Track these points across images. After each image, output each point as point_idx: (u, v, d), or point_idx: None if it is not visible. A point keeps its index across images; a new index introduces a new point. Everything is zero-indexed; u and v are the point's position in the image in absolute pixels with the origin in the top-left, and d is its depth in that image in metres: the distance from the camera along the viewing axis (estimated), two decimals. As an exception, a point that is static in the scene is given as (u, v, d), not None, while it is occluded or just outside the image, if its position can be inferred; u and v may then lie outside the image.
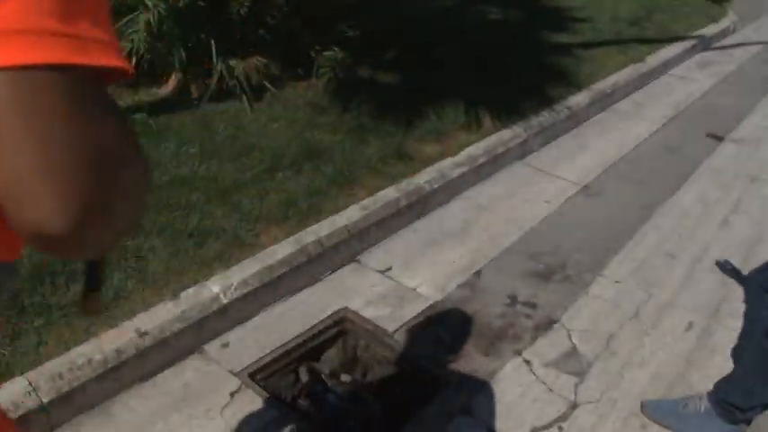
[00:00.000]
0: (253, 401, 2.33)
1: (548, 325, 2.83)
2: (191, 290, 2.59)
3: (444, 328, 2.79)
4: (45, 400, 2.11)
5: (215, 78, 4.00)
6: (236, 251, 2.83)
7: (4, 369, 2.16)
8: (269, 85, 4.12)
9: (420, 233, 3.40)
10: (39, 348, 2.25)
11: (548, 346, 2.71)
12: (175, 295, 2.55)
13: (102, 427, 2.20)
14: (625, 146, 4.52)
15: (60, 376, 2.17)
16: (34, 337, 2.28)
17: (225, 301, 2.59)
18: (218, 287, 2.62)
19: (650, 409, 2.34)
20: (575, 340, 2.74)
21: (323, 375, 2.72)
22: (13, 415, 2.04)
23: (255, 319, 2.72)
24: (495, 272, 3.15)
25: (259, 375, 2.50)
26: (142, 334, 2.37)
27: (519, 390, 2.49)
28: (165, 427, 2.21)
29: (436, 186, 3.57)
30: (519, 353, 2.67)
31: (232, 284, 2.65)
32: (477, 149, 3.87)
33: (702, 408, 2.19)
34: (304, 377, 2.57)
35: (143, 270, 2.63)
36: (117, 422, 2.22)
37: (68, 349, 2.27)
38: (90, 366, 2.23)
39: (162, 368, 2.42)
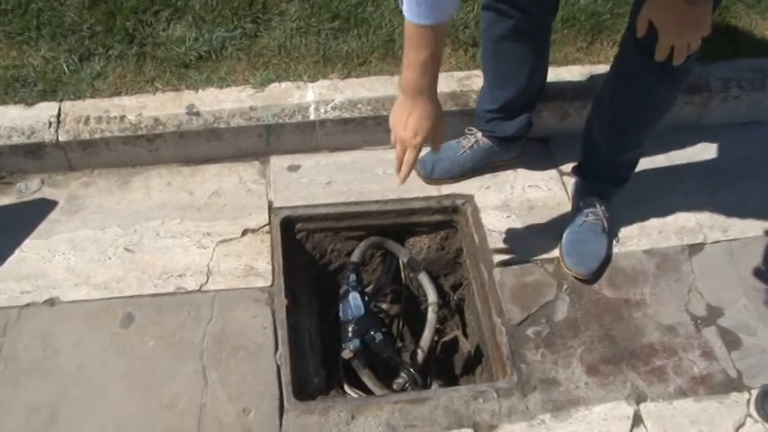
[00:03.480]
0: (256, 254, 1.83)
1: (725, 386, 1.69)
2: (282, 85, 2.02)
3: (570, 300, 1.84)
4: (62, 139, 1.90)
5: None
6: (380, 62, 2.10)
7: (55, 87, 1.97)
8: None
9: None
10: (94, 81, 1.99)
11: (690, 415, 1.63)
12: (262, 84, 2.02)
13: (109, 191, 1.94)
14: None
15: (86, 121, 1.91)
16: (98, 66, 2.01)
17: (312, 117, 1.99)
18: (314, 96, 2.01)
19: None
20: (745, 439, 1.60)
21: (401, 261, 2.08)
22: (26, 140, 1.88)
23: (351, 153, 2.08)
24: (737, 254, 1.92)
25: (300, 225, 1.96)
26: (192, 113, 1.94)
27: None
28: (157, 228, 1.87)
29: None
30: (641, 398, 1.66)
31: (334, 100, 2.01)
32: None
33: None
34: (356, 256, 1.95)
35: (253, 37, 2.11)
36: (124, 195, 1.94)
37: (116, 95, 1.97)
38: (119, 124, 1.91)
39: (208, 160, 2.02)
